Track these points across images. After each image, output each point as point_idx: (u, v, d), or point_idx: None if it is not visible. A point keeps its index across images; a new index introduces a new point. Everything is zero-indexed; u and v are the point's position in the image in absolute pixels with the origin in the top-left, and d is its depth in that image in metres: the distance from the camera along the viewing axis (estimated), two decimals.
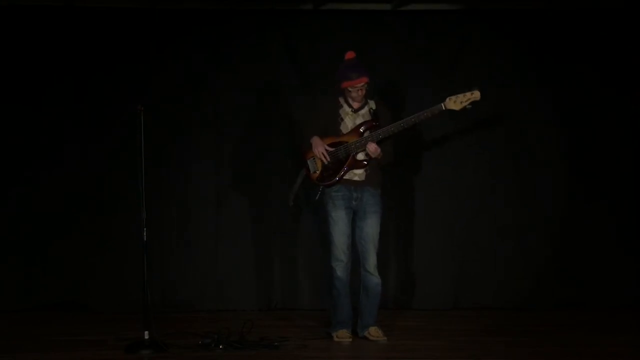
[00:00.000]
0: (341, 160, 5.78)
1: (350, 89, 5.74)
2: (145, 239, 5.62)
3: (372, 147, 5.70)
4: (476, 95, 5.65)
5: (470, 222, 7.21)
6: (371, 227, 5.84)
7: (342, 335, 5.88)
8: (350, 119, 5.84)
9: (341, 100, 5.87)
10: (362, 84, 5.71)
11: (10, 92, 7.12)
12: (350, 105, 5.84)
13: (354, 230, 5.89)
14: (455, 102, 5.66)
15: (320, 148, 5.77)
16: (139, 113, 5.59)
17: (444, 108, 5.67)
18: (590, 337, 6.05)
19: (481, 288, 7.18)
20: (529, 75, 7.21)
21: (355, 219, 5.88)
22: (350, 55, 5.82)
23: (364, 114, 5.84)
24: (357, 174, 5.81)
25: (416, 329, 6.43)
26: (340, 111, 5.86)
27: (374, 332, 5.89)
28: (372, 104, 5.86)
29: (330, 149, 5.78)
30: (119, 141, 6.94)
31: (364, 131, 5.77)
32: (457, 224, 7.20)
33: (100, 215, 7.12)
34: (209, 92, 7.21)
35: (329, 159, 5.78)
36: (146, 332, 5.55)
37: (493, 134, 7.20)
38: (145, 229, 5.61)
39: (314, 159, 5.85)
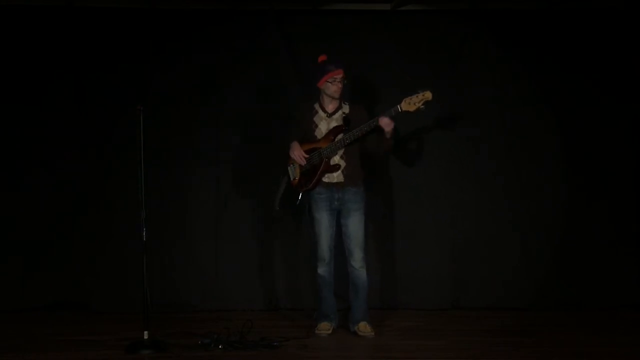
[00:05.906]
0: (315, 166, 6.03)
1: (329, 82, 5.97)
2: (145, 238, 5.64)
3: (385, 122, 5.83)
4: (427, 95, 5.81)
5: (470, 223, 7.21)
6: (355, 225, 6.06)
7: (322, 327, 6.15)
8: (325, 124, 6.10)
9: (316, 106, 6.13)
10: (340, 75, 5.94)
11: (10, 92, 7.11)
12: (324, 110, 6.08)
13: (339, 229, 6.12)
14: (409, 104, 5.83)
15: (297, 152, 6.06)
16: (138, 113, 5.60)
17: (400, 110, 5.85)
18: (590, 337, 6.05)
19: (481, 288, 7.17)
20: (528, 75, 7.20)
21: (339, 218, 6.12)
22: (323, 57, 6.05)
23: (337, 118, 6.08)
24: (337, 176, 6.03)
25: (416, 329, 6.43)
26: (315, 118, 6.11)
27: (363, 327, 6.10)
28: (345, 108, 6.10)
29: (306, 156, 6.04)
30: (119, 141, 6.96)
31: (335, 137, 6.00)
32: (457, 225, 7.20)
33: (100, 215, 7.11)
34: (209, 92, 7.21)
35: (305, 162, 6.03)
36: (146, 332, 5.56)
37: (493, 134, 7.20)
38: (145, 228, 5.62)
39: (293, 166, 6.14)
